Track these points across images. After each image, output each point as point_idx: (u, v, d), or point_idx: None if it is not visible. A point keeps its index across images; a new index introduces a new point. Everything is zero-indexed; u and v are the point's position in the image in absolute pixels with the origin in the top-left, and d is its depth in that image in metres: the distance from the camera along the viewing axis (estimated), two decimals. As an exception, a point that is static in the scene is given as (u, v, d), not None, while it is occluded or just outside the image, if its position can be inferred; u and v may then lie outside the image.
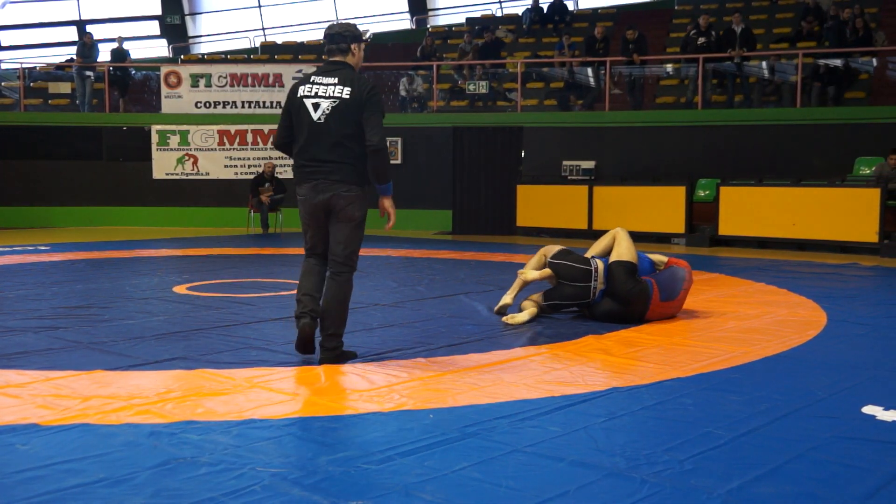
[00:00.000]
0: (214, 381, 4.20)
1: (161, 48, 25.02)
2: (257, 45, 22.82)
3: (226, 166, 16.15)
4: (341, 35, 4.64)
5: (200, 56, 22.67)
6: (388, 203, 4.69)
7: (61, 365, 4.51)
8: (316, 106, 4.55)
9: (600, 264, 6.05)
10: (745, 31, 14.61)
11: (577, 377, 4.38)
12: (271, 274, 8.75)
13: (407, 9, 24.44)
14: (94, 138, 16.20)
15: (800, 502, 2.75)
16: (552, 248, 6.33)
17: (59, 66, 19.79)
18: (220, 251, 11.27)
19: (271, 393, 4.01)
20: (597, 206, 13.50)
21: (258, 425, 3.50)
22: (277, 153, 15.36)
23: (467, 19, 21.67)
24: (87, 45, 17.09)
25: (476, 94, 16.18)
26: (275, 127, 4.64)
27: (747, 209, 12.19)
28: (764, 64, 14.69)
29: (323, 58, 4.79)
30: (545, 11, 19.72)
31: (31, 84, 17.97)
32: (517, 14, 21.09)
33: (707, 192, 13.14)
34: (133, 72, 17.81)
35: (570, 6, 21.27)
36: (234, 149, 16.14)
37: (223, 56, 21.60)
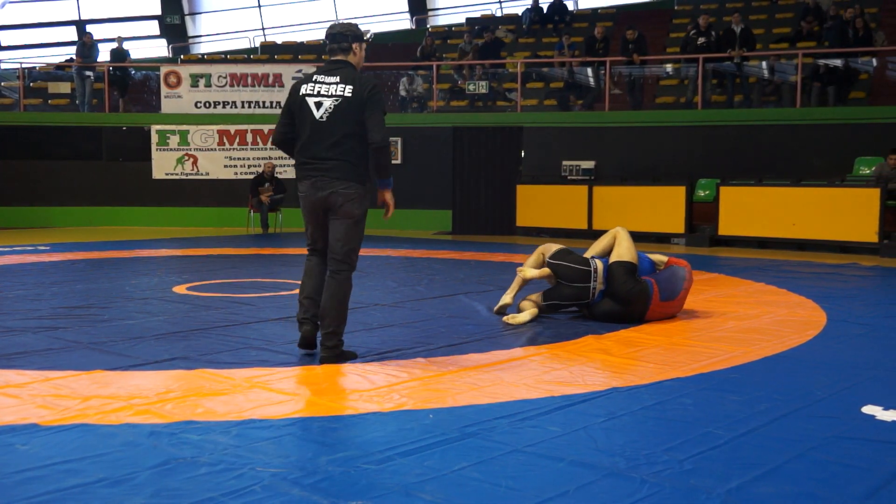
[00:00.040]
0: (214, 381, 4.20)
1: (161, 48, 25.04)
2: (257, 45, 22.83)
3: (225, 166, 16.15)
4: (343, 35, 4.71)
5: (200, 56, 22.67)
6: (387, 195, 4.77)
7: (61, 365, 4.51)
8: (318, 105, 4.61)
9: (599, 265, 6.04)
10: (744, 31, 14.61)
11: (576, 377, 4.38)
12: (271, 274, 8.75)
13: (407, 9, 24.45)
14: (93, 138, 16.20)
15: (799, 502, 2.75)
16: (551, 247, 6.32)
17: (59, 66, 19.80)
18: (219, 251, 11.27)
19: (271, 393, 4.01)
20: (597, 206, 13.50)
21: (258, 425, 3.50)
22: (277, 153, 15.37)
23: (467, 19, 21.68)
24: (86, 45, 17.09)
25: (476, 94, 16.18)
26: (274, 127, 4.67)
27: (747, 209, 12.19)
28: (764, 64, 14.69)
29: (323, 57, 4.82)
30: (545, 11, 19.73)
31: (31, 84, 17.98)
32: (517, 14, 21.10)
33: (707, 192, 13.14)
34: (133, 72, 17.81)
35: (570, 6, 21.28)
36: (233, 149, 16.14)
37: (223, 56, 21.61)
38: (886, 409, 3.81)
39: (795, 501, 2.75)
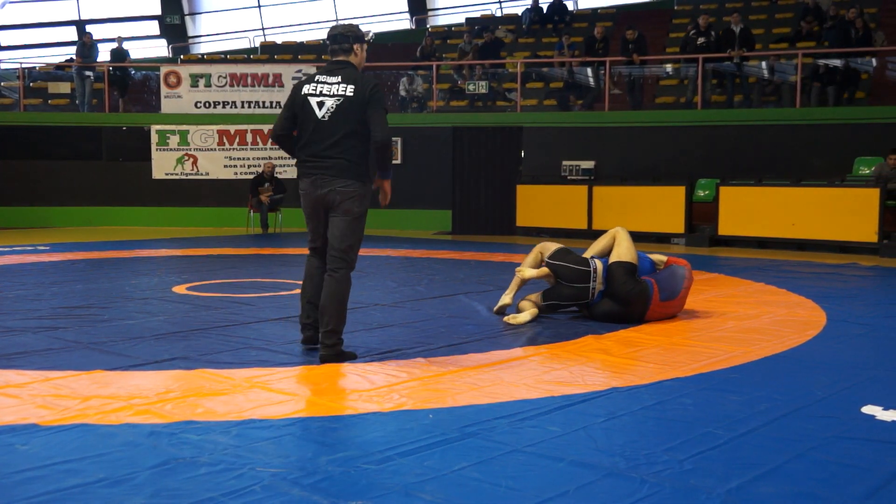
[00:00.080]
0: (214, 381, 4.20)
1: (161, 48, 25.04)
2: (257, 45, 22.83)
3: (225, 166, 16.15)
4: (344, 35, 4.78)
5: (200, 56, 22.67)
6: (386, 184, 4.83)
7: (61, 365, 4.51)
8: (320, 104, 4.67)
9: (599, 265, 6.04)
10: (744, 31, 14.61)
11: (576, 377, 4.38)
12: (271, 274, 8.75)
13: (407, 9, 24.45)
14: (93, 138, 16.20)
15: (799, 502, 2.75)
16: (550, 247, 6.31)
17: (59, 66, 19.80)
18: (219, 251, 11.27)
19: (271, 393, 4.01)
20: (596, 206, 13.50)
21: (258, 425, 3.50)
22: (277, 153, 15.37)
23: (467, 19, 21.68)
24: (86, 45, 17.09)
25: (476, 94, 16.18)
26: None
27: (747, 209, 12.19)
28: (763, 64, 14.69)
29: (324, 58, 4.85)
30: (545, 11, 19.72)
31: (31, 84, 17.97)
32: (517, 14, 21.10)
33: (707, 192, 13.14)
34: (133, 72, 17.81)
35: (570, 6, 21.28)
36: (233, 149, 16.14)
37: (223, 56, 21.60)
38: (886, 409, 3.81)
39: (795, 501, 2.76)
